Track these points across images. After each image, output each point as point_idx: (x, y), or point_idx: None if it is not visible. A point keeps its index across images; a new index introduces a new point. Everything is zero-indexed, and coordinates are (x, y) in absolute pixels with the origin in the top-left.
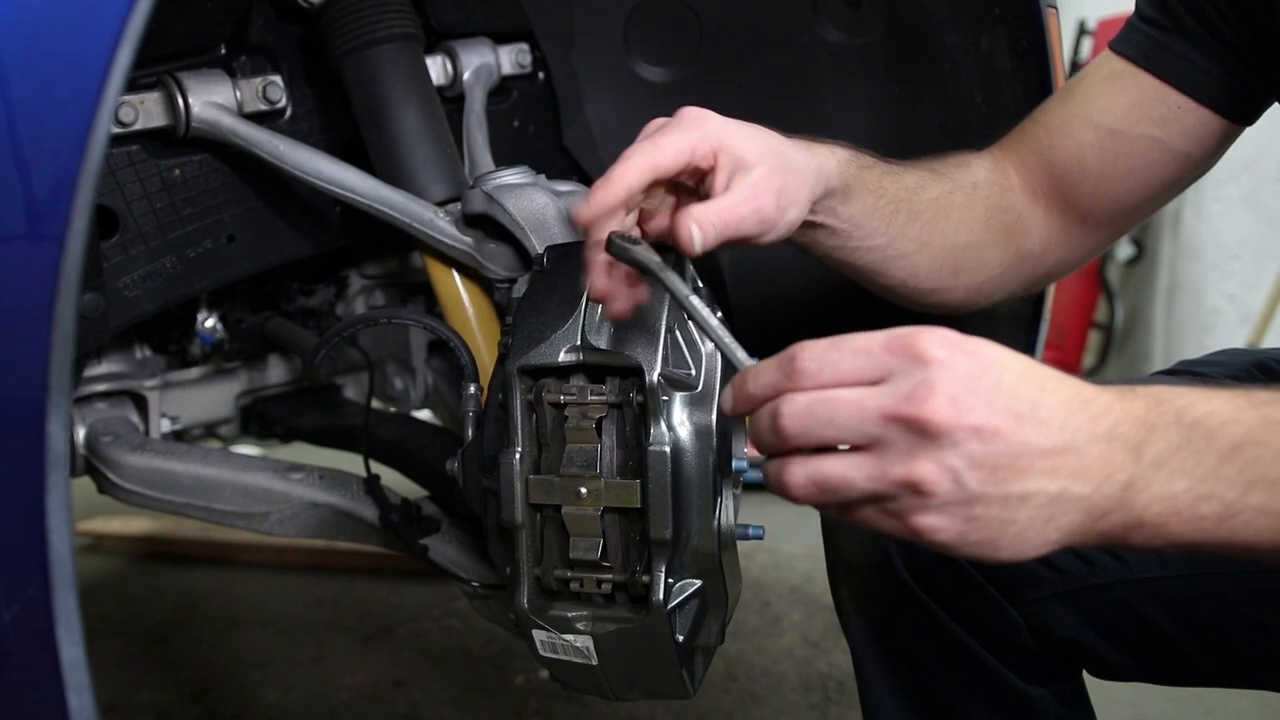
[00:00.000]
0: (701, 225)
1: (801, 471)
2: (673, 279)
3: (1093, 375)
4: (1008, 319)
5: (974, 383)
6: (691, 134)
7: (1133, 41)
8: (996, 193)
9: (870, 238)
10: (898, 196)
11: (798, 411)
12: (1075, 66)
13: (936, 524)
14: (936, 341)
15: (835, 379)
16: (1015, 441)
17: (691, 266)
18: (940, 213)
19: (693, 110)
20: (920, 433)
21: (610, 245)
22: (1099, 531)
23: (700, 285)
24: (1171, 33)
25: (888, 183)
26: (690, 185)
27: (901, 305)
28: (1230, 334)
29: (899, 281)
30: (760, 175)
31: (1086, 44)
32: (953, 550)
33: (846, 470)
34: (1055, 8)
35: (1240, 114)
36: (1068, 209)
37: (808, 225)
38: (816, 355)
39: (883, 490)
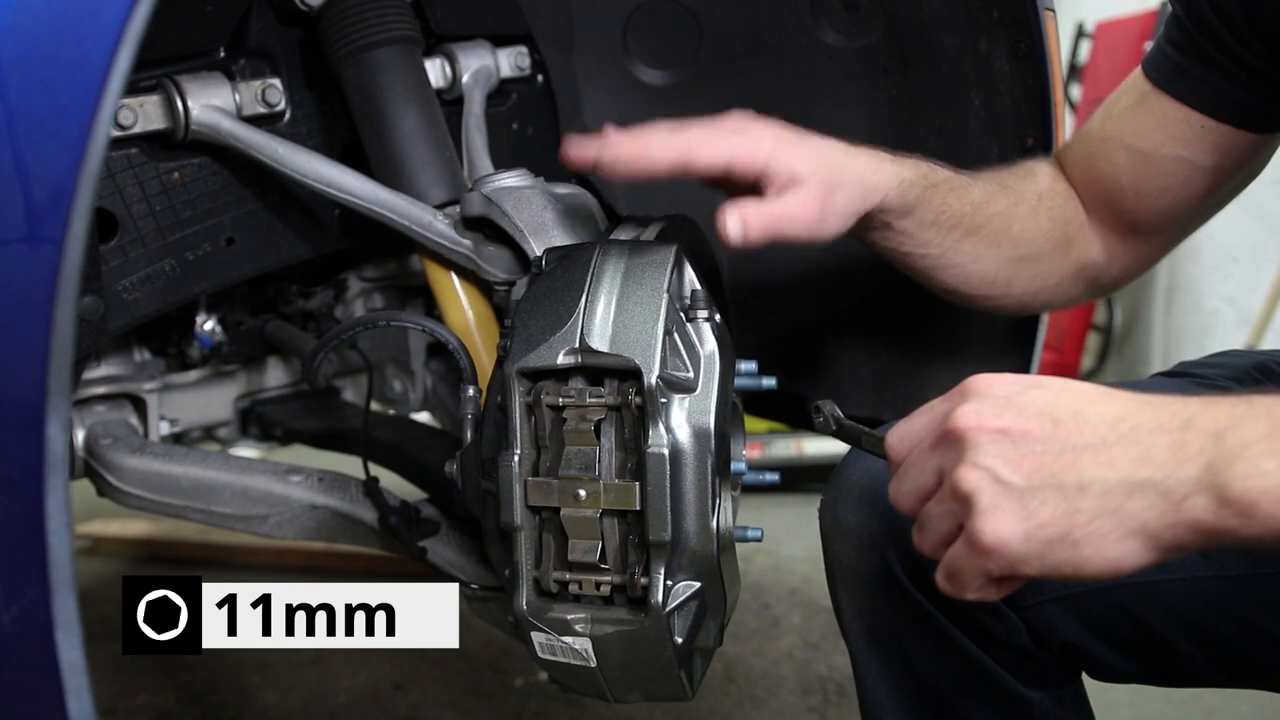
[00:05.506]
0: (746, 221)
1: (916, 534)
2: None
3: (1091, 377)
4: (1007, 320)
5: (1006, 400)
6: (737, 146)
7: (1158, 64)
8: (1060, 203)
9: (923, 247)
10: (960, 213)
11: (893, 488)
12: (1073, 69)
13: (997, 526)
14: (983, 378)
15: (914, 444)
16: (1052, 440)
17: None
18: (1003, 226)
19: (751, 124)
20: (954, 445)
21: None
22: (1187, 522)
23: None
24: (1190, 55)
25: (953, 199)
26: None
27: (960, 305)
28: (1228, 336)
29: (951, 287)
30: (808, 190)
31: (1085, 46)
32: (1035, 563)
33: (929, 508)
34: (1053, 10)
35: (1262, 126)
36: (1118, 222)
37: (864, 226)
38: (895, 431)
39: (947, 511)
